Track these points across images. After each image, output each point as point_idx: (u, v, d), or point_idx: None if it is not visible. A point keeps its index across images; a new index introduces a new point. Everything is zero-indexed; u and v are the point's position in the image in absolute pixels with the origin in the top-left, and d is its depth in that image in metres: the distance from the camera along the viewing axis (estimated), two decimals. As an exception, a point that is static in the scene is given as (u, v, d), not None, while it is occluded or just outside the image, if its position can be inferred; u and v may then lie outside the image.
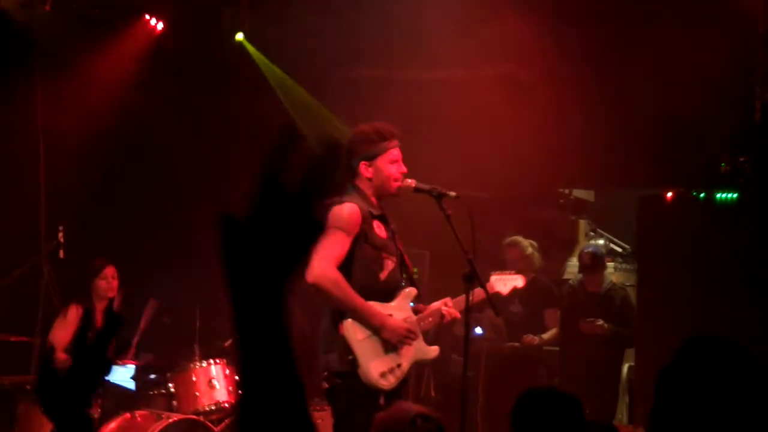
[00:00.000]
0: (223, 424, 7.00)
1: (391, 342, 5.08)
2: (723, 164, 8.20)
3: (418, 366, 6.49)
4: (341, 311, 5.03)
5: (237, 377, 7.41)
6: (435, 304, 5.43)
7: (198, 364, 7.19)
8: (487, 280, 5.69)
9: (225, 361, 7.32)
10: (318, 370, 5.17)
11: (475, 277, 5.19)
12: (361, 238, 5.07)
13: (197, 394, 7.05)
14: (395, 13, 8.23)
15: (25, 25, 7.99)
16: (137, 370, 7.23)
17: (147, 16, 8.87)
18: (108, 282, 7.34)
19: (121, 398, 6.97)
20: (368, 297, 5.08)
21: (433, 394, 8.60)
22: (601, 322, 8.09)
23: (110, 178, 8.70)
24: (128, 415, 6.77)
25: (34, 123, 8.02)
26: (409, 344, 5.16)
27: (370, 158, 5.19)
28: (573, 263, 9.86)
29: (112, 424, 6.74)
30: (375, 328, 5.04)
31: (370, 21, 8.39)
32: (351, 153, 5.20)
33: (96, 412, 6.61)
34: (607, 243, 10.27)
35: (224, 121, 9.15)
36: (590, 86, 8.28)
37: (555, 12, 8.10)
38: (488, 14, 8.09)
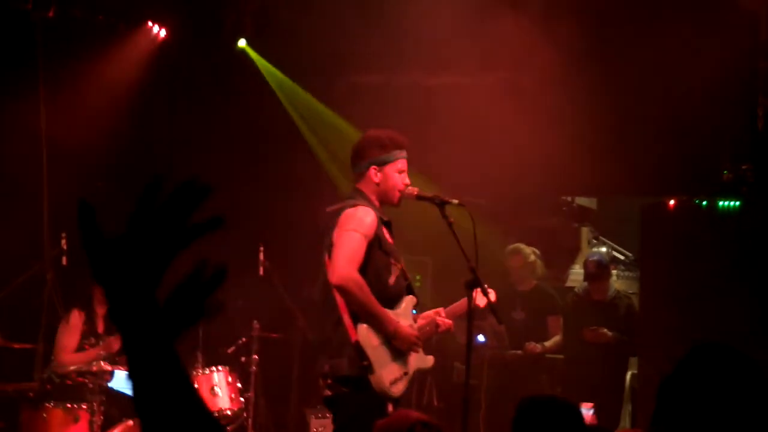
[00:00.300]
0: (225, 432, 7.00)
1: (401, 349, 5.01)
2: (725, 172, 8.20)
3: (421, 374, 6.46)
4: (352, 316, 4.92)
5: (239, 385, 7.43)
6: (427, 313, 5.38)
7: (200, 371, 7.19)
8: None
9: (227, 368, 7.32)
10: (317, 376, 5.11)
11: (478, 285, 5.12)
12: (375, 243, 4.99)
13: (199, 401, 7.04)
14: (399, 19, 8.23)
15: (29, 31, 8.00)
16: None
17: (150, 23, 8.87)
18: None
19: (124, 405, 6.96)
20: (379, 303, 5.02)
21: (435, 402, 8.57)
22: (605, 330, 8.08)
23: (113, 185, 8.70)
24: (131, 422, 6.78)
25: (37, 130, 8.01)
26: (417, 352, 5.11)
27: (381, 164, 5.12)
28: (576, 271, 9.85)
29: (115, 431, 6.76)
30: (390, 334, 4.95)
31: (373, 26, 8.38)
32: (360, 156, 5.16)
33: None
34: (610, 251, 10.26)
35: (227, 127, 9.15)
36: (593, 94, 8.27)
37: (560, 20, 8.10)
38: (492, 21, 8.08)
